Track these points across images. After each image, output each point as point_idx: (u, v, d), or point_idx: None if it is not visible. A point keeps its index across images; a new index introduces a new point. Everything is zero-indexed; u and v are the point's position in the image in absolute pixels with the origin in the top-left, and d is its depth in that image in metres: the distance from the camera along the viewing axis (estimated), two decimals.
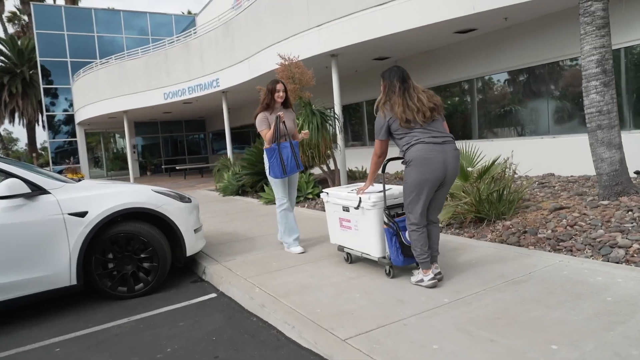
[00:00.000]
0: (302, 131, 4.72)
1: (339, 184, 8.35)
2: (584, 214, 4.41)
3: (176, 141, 26.95)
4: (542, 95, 8.17)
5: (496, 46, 8.66)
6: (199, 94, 14.34)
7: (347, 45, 8.63)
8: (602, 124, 4.65)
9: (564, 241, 3.95)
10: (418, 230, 3.31)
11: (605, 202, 4.59)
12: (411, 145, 3.23)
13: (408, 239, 3.51)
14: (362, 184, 4.03)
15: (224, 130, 25.00)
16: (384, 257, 3.69)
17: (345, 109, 12.75)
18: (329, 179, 8.33)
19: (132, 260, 4.04)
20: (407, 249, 3.51)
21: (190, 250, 4.39)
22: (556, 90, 7.92)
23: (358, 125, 13.49)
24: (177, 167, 20.30)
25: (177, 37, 15.82)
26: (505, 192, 4.82)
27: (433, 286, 3.28)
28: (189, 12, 31.27)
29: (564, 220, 4.36)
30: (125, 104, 16.95)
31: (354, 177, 10.04)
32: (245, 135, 22.16)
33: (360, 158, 11.94)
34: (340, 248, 4.19)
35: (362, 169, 10.72)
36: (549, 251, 3.88)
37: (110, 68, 17.50)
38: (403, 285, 3.40)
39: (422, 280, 3.33)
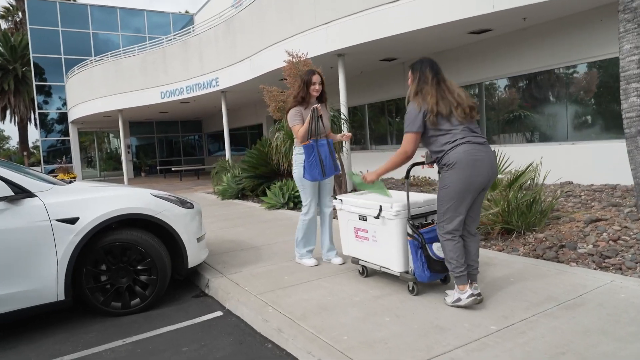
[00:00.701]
0: (345, 133, 4.21)
1: (346, 189, 7.95)
2: (626, 227, 4.04)
3: (171, 142, 26.45)
4: (560, 100, 7.82)
5: (511, 48, 8.32)
6: (197, 94, 13.91)
7: (356, 44, 8.26)
8: None
9: (609, 258, 3.57)
10: (454, 240, 2.92)
11: None
12: (456, 145, 2.85)
13: (435, 252, 3.12)
14: (370, 194, 3.66)
15: (220, 131, 24.69)
16: (407, 272, 3.29)
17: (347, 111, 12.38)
18: (336, 184, 7.92)
19: (127, 272, 3.61)
20: (434, 263, 3.11)
21: (192, 262, 3.97)
22: (575, 95, 7.58)
23: (358, 128, 13.11)
24: (173, 169, 19.80)
25: (175, 34, 15.39)
26: (535, 202, 4.44)
27: (472, 304, 2.87)
28: (186, 12, 30.81)
29: (605, 233, 3.98)
30: (120, 102, 16.47)
31: None
32: (243, 137, 21.75)
33: (362, 162, 11.55)
34: (355, 260, 3.79)
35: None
36: (595, 269, 3.49)
37: (106, 65, 17.02)
38: (437, 307, 2.99)
39: (459, 300, 2.93)
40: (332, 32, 8.55)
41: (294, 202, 8.10)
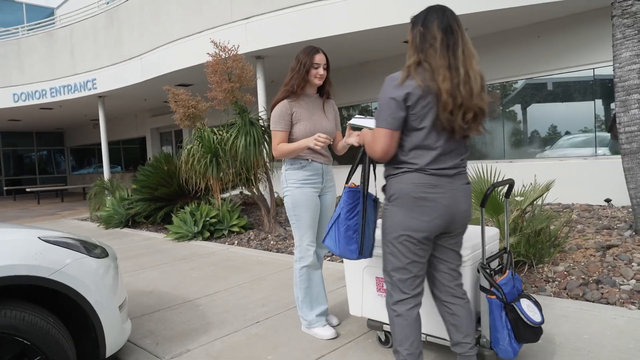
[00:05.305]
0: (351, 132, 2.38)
1: (274, 212, 6.68)
2: None
3: (22, 157, 22.01)
4: (496, 117, 7.63)
5: None
6: (65, 98, 11.36)
7: (282, 45, 7.16)
8: None
9: None
10: (405, 303, 1.96)
11: None
12: (403, 172, 1.90)
13: (527, 312, 2.15)
14: None
15: (87, 145, 21.30)
16: (477, 344, 2.27)
17: None
18: (262, 206, 6.61)
19: None
20: (526, 331, 2.14)
21: (113, 346, 2.45)
22: (512, 113, 7.45)
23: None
24: (28, 189, 16.20)
25: (36, 23, 12.55)
26: (546, 229, 3.79)
27: None
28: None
29: (635, 264, 3.45)
30: None
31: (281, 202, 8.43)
32: (116, 153, 18.89)
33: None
34: (375, 325, 2.63)
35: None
36: None
37: None
38: None
39: None
40: (252, 29, 7.33)
41: (211, 231, 6.59)
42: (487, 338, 2.19)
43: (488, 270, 2.18)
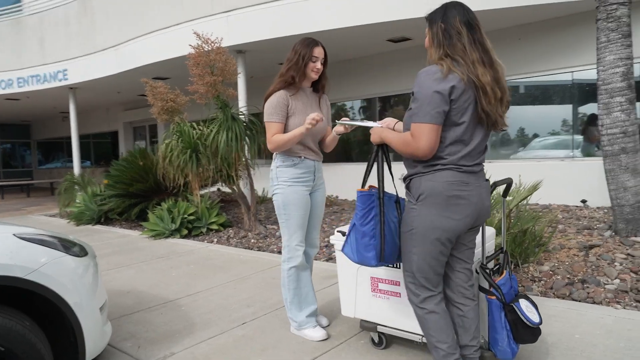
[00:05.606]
0: (342, 121, 2.46)
1: (255, 210, 6.55)
2: (631, 254, 3.63)
3: None
4: None
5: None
6: (33, 88, 10.86)
7: (265, 39, 7.02)
8: (627, 147, 4.01)
9: None
10: (434, 299, 1.94)
11: (638, 239, 3.92)
12: (437, 169, 1.84)
13: (526, 313, 2.13)
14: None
15: (55, 139, 20.50)
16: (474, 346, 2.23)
17: None
18: (242, 203, 6.47)
19: None
20: (525, 332, 2.11)
21: (93, 350, 2.31)
22: None
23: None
24: None
25: (2, 10, 11.97)
26: (532, 228, 3.82)
27: None
28: None
29: (617, 264, 3.50)
30: None
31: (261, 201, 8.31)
32: (85, 147, 18.24)
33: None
34: (369, 325, 2.57)
35: (264, 192, 9.02)
36: None
37: None
38: None
39: None
40: (234, 22, 7.16)
41: (189, 229, 6.41)
42: (486, 339, 2.17)
43: (487, 271, 2.15)
